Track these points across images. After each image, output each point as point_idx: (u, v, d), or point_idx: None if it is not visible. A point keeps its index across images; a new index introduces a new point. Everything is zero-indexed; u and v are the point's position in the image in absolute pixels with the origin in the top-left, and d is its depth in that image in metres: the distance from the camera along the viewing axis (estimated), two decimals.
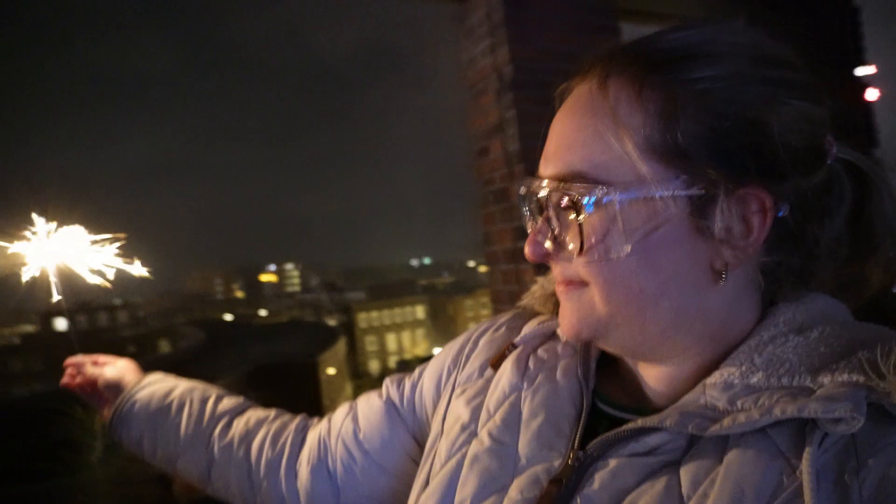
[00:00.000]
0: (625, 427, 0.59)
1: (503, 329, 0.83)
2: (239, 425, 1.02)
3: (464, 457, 0.69)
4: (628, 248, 0.56)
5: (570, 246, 0.60)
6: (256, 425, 1.02)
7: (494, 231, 3.01)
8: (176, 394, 1.06)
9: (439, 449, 0.73)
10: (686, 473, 0.54)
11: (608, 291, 0.59)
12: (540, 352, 0.75)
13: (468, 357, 0.83)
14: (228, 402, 1.07)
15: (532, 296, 0.82)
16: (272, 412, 1.06)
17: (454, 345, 0.88)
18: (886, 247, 0.63)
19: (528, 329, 0.79)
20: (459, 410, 0.75)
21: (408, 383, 0.91)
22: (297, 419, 1.03)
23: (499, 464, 0.65)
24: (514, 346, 0.76)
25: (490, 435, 0.68)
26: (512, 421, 0.68)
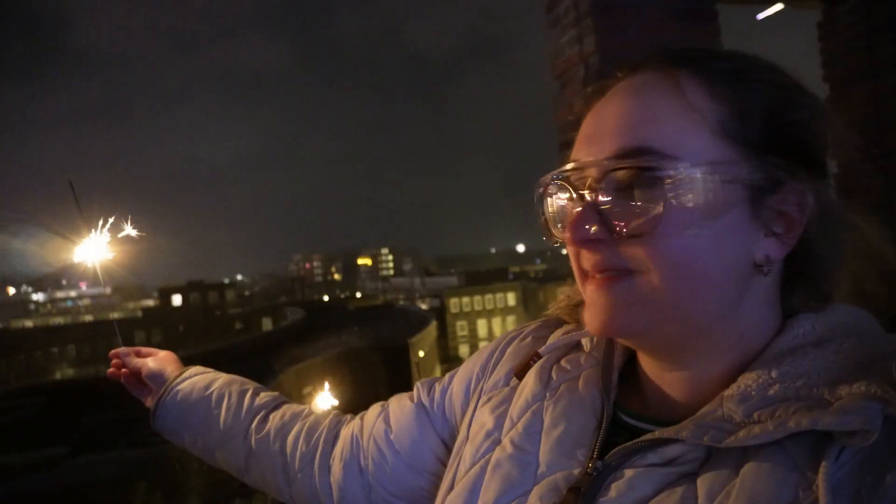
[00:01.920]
0: (642, 438, 0.60)
1: (529, 339, 0.84)
2: (275, 419, 1.05)
3: (487, 463, 0.71)
4: (701, 222, 0.55)
5: (634, 225, 0.57)
6: (291, 420, 1.05)
7: None
8: (216, 386, 1.10)
9: (464, 454, 0.75)
10: (703, 485, 0.54)
11: (671, 274, 0.57)
12: (563, 362, 0.76)
13: (495, 365, 0.84)
14: (265, 396, 1.10)
15: (558, 305, 0.83)
16: (307, 407, 1.09)
17: (483, 353, 0.89)
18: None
19: (552, 339, 0.80)
20: (484, 418, 0.76)
21: (438, 387, 0.93)
22: (331, 416, 1.06)
23: (520, 471, 0.67)
24: (539, 356, 0.77)
25: (513, 442, 0.70)
26: (534, 429, 0.70)
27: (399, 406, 0.96)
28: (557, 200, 0.65)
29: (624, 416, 0.67)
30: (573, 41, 2.79)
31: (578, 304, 0.78)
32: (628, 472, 0.59)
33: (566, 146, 2.97)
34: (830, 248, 0.62)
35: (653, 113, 0.58)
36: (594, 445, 0.64)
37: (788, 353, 0.58)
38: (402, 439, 0.92)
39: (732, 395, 0.57)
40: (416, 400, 0.95)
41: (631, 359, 0.72)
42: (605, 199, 0.59)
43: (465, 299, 53.62)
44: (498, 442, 0.72)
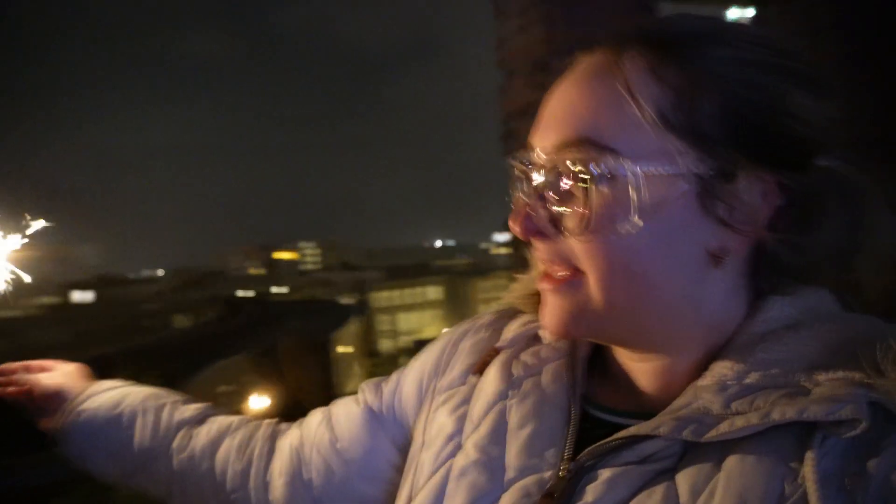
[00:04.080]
0: (616, 436, 0.57)
1: (485, 331, 0.79)
2: (200, 436, 0.94)
3: (449, 470, 0.66)
4: (640, 223, 0.53)
5: (571, 221, 0.55)
6: (219, 435, 0.94)
7: None
8: (128, 403, 0.96)
9: (423, 461, 0.71)
10: (684, 482, 0.52)
11: (608, 276, 0.55)
12: (524, 356, 0.71)
13: (449, 361, 0.79)
14: (188, 409, 0.98)
15: (513, 294, 0.79)
16: (236, 419, 0.98)
17: (434, 348, 0.83)
18: (879, 256, 0.60)
19: (511, 332, 0.76)
20: (442, 420, 0.72)
21: (386, 388, 0.87)
22: (264, 426, 0.96)
23: (487, 477, 0.63)
24: (498, 352, 0.73)
25: (476, 446, 0.65)
26: (499, 431, 0.66)
27: (344, 411, 0.88)
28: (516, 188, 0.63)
29: (594, 410, 0.64)
30: (519, 31, 2.79)
31: (536, 293, 0.72)
32: (604, 473, 0.56)
33: (509, 136, 2.97)
34: (809, 239, 0.58)
35: (593, 103, 0.55)
36: (565, 445, 0.61)
37: (760, 338, 0.56)
38: (352, 448, 0.84)
39: (708, 386, 0.55)
40: (363, 404, 0.87)
41: (597, 349, 0.69)
42: (548, 191, 0.57)
43: (390, 293, 53.46)
44: (460, 446, 0.68)
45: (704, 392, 0.54)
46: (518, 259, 3.05)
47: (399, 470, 0.79)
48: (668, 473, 0.53)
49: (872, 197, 0.60)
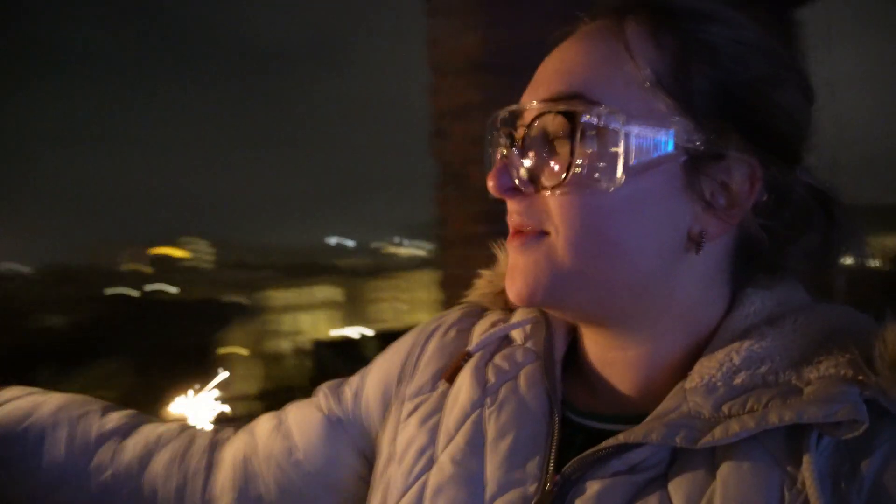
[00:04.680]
0: (604, 445, 0.53)
1: (453, 332, 0.74)
2: (126, 450, 0.79)
3: (424, 486, 0.62)
4: (622, 179, 0.51)
5: (549, 174, 0.54)
6: (149, 448, 0.80)
7: (451, 214, 2.98)
8: (38, 415, 0.79)
9: (393, 476, 0.66)
10: (677, 490, 0.50)
11: (578, 234, 0.53)
12: (498, 360, 0.67)
13: (416, 365, 0.73)
14: (111, 420, 0.82)
15: (478, 291, 0.76)
16: (169, 427, 0.84)
17: (399, 349, 0.78)
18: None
19: (480, 334, 0.72)
20: (413, 432, 0.66)
21: (349, 393, 0.79)
22: (202, 435, 0.84)
23: (466, 493, 0.59)
24: (469, 356, 0.68)
25: (453, 460, 0.61)
26: (476, 443, 0.61)
27: (303, 419, 0.79)
28: (496, 148, 0.62)
29: (574, 416, 0.61)
30: (456, 31, 2.81)
31: (503, 290, 0.68)
32: (592, 485, 0.53)
33: (440, 135, 2.98)
34: (790, 232, 0.58)
35: (589, 60, 0.55)
36: (549, 456, 0.57)
37: (743, 334, 0.55)
38: (314, 458, 0.76)
39: (696, 388, 0.53)
40: (325, 410, 0.79)
41: (571, 348, 0.67)
42: (531, 146, 0.56)
43: (285, 293, 52.04)
44: (433, 461, 0.63)
45: (693, 395, 0.52)
46: (436, 259, 3.07)
47: (365, 481, 0.73)
48: (658, 481, 0.51)
49: (843, 207, 0.60)
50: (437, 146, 3.04)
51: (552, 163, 0.54)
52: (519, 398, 0.62)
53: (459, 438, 0.62)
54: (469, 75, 2.77)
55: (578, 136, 0.52)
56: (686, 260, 0.56)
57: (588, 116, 0.52)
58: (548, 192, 0.54)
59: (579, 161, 0.52)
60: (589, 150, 0.52)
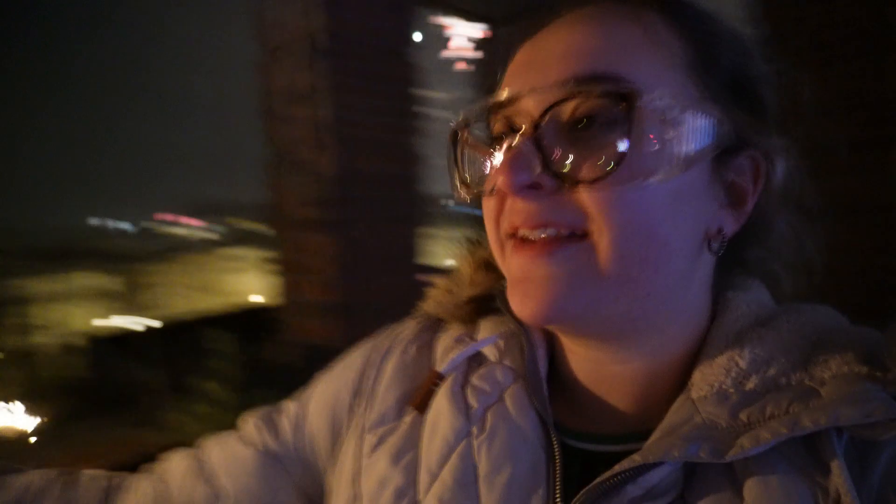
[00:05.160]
0: (619, 469, 0.47)
1: (413, 350, 0.65)
2: None
3: None
4: (676, 169, 0.46)
5: (586, 167, 0.47)
6: (24, 496, 0.66)
7: (288, 197, 2.93)
8: None
9: None
10: None
11: (625, 234, 0.46)
12: (476, 381, 0.59)
13: (374, 390, 0.64)
14: None
15: (434, 301, 0.67)
16: (46, 476, 0.69)
17: (346, 371, 0.67)
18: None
19: (445, 351, 0.63)
20: (384, 470, 0.57)
21: (286, 423, 0.69)
22: (91, 483, 0.69)
23: None
24: (441, 378, 0.60)
25: (442, 501, 0.53)
26: (467, 479, 0.53)
27: (230, 457, 0.68)
28: (475, 145, 0.55)
29: (568, 439, 0.54)
30: (298, 13, 2.76)
31: (468, 302, 0.65)
32: None
33: (281, 119, 2.91)
34: (774, 230, 0.56)
35: (614, 42, 0.48)
36: (555, 489, 0.51)
37: (738, 337, 0.52)
38: (245, 502, 0.66)
39: (706, 397, 0.49)
40: (258, 445, 0.68)
41: (549, 363, 0.60)
42: (550, 135, 0.48)
43: (44, 282, 45.07)
44: (417, 503, 0.55)
45: (704, 404, 0.49)
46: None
47: None
48: (683, 500, 0.47)
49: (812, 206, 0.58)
50: (271, 129, 2.96)
51: (585, 153, 0.47)
52: (510, 424, 0.55)
53: (446, 476, 0.54)
54: (313, 59, 2.74)
55: (619, 122, 0.46)
56: (699, 261, 0.52)
57: (643, 100, 0.45)
58: (585, 187, 0.46)
59: (620, 149, 0.45)
60: (632, 138, 0.45)
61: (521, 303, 0.50)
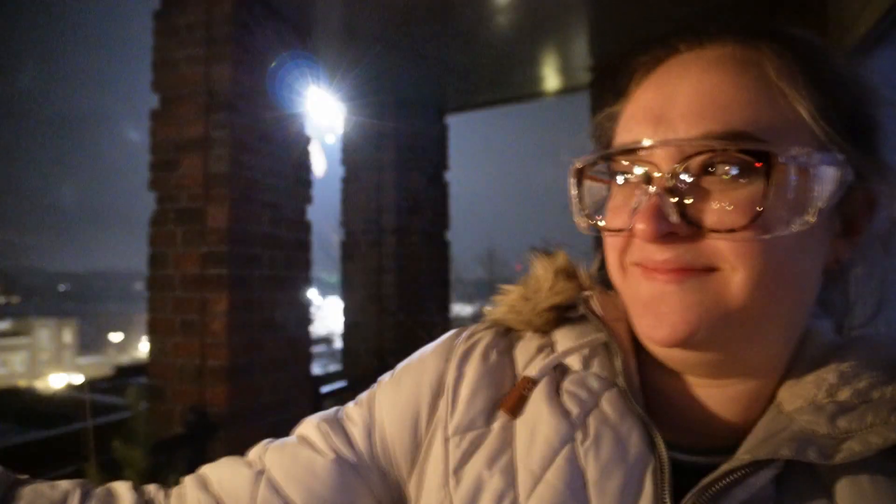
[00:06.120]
0: (728, 468, 0.48)
1: (494, 356, 0.64)
2: None
3: None
4: (812, 218, 0.48)
5: (729, 215, 0.49)
6: None
7: (172, 253, 2.73)
8: None
9: None
10: None
11: (761, 274, 0.49)
12: (569, 386, 0.59)
13: (456, 394, 0.62)
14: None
15: (511, 309, 0.67)
16: (57, 486, 0.63)
17: (422, 375, 0.65)
18: None
19: (528, 358, 0.63)
20: (480, 473, 0.57)
21: (355, 431, 0.65)
22: (127, 491, 0.63)
23: None
24: (534, 383, 0.60)
25: None
26: (576, 483, 0.53)
27: (301, 467, 0.63)
28: (596, 185, 0.58)
29: (667, 451, 0.54)
30: (197, 60, 2.67)
31: (548, 309, 0.65)
32: None
33: (164, 166, 2.75)
34: (876, 264, 0.58)
35: (745, 96, 0.50)
36: (664, 495, 0.51)
37: (822, 359, 0.54)
38: None
39: (801, 408, 0.51)
40: (330, 453, 0.63)
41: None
42: (684, 184, 0.50)
43: None
44: None
45: (800, 414, 0.50)
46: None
47: None
48: None
49: None
50: (157, 177, 2.77)
51: (729, 204, 0.49)
52: (614, 431, 0.55)
53: (553, 478, 0.54)
54: (211, 109, 2.65)
55: (758, 176, 0.48)
56: (815, 292, 0.54)
57: (784, 157, 0.48)
58: (721, 234, 0.49)
59: (761, 202, 0.48)
60: (783, 191, 0.48)
61: (652, 326, 0.52)
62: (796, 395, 0.52)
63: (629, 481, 0.52)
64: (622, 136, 0.55)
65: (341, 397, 4.60)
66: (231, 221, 2.66)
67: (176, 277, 2.72)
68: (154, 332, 2.77)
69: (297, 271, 3.12)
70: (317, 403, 3.52)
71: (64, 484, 0.63)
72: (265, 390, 2.84)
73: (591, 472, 0.53)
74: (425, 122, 4.95)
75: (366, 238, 4.77)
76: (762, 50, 0.52)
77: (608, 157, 0.55)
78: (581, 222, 0.57)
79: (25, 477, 0.64)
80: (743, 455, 0.48)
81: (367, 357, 4.73)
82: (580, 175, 0.57)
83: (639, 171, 0.53)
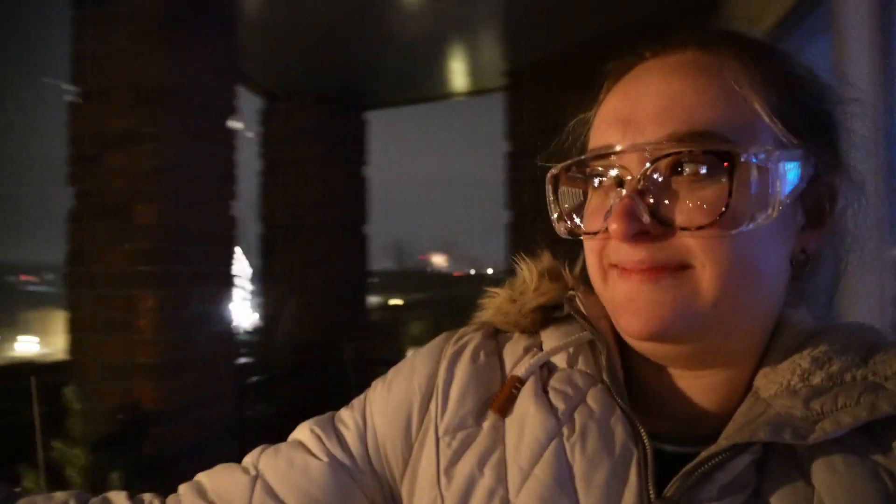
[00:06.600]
0: (708, 453, 0.51)
1: (482, 356, 0.66)
2: None
3: None
4: (774, 213, 0.51)
5: (697, 213, 0.51)
6: None
7: (96, 249, 2.66)
8: None
9: None
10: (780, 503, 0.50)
11: (729, 269, 0.51)
12: (556, 383, 0.61)
13: (447, 394, 0.64)
14: None
15: (498, 311, 0.69)
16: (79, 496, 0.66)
17: (413, 377, 0.67)
18: None
19: (516, 358, 0.66)
20: (471, 471, 0.59)
21: (348, 434, 0.66)
22: (124, 501, 0.66)
23: None
24: (522, 382, 0.62)
25: (540, 499, 0.55)
26: (563, 477, 0.55)
27: (293, 468, 0.65)
28: (573, 190, 0.60)
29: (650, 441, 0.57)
30: (123, 52, 2.60)
31: (534, 310, 0.67)
32: None
33: (82, 160, 2.69)
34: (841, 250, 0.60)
35: (707, 97, 0.53)
36: (646, 484, 0.53)
37: (797, 346, 0.56)
38: None
39: (777, 393, 0.53)
40: (325, 455, 0.65)
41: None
42: (654, 185, 0.53)
43: None
44: (508, 502, 0.56)
45: (776, 399, 0.53)
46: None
47: None
48: (755, 497, 0.51)
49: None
50: (76, 171, 2.68)
51: (692, 204, 0.52)
52: (599, 425, 0.57)
53: (541, 473, 0.56)
54: (139, 104, 2.60)
55: (721, 175, 0.51)
56: (784, 283, 0.57)
57: (745, 156, 0.50)
58: (690, 232, 0.51)
59: (726, 200, 0.50)
60: (746, 188, 0.51)
61: (629, 322, 0.54)
62: (772, 382, 0.54)
63: (615, 473, 0.54)
64: (594, 141, 0.57)
65: (259, 391, 4.56)
66: (160, 218, 2.62)
67: (98, 275, 2.66)
68: (74, 331, 2.69)
69: (223, 266, 3.12)
70: (240, 398, 3.52)
71: (60, 495, 0.66)
72: (195, 387, 2.83)
73: (578, 466, 0.55)
74: (345, 118, 4.99)
75: (287, 232, 4.77)
76: (722, 55, 0.55)
77: (581, 162, 0.57)
78: (560, 227, 0.59)
79: (19, 490, 0.67)
80: (722, 441, 0.51)
81: (286, 350, 4.74)
82: (556, 181, 0.59)
83: (613, 173, 0.55)
